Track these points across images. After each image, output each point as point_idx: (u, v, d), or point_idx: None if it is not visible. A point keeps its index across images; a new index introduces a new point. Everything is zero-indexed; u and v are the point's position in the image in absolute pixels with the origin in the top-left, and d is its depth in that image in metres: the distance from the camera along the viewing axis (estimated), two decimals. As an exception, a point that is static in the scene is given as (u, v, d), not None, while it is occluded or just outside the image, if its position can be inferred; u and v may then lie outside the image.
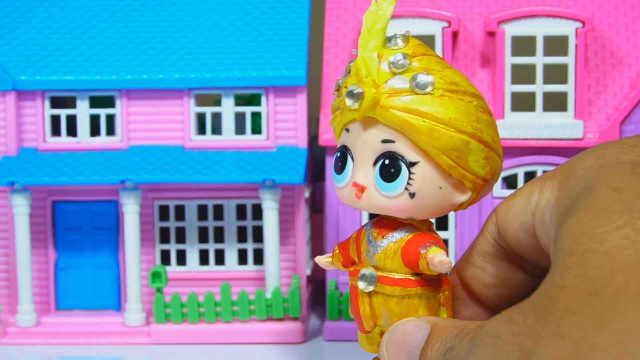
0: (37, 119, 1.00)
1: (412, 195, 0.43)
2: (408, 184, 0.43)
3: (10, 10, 1.06)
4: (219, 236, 1.02)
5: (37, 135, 1.00)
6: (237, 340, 0.95)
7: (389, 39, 0.43)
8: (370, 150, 0.44)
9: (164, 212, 1.02)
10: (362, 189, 0.44)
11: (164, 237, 1.02)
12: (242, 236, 1.02)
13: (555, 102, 0.97)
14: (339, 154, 0.45)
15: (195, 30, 1.04)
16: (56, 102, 1.02)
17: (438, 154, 0.42)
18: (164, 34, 1.03)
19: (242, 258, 1.02)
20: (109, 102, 1.01)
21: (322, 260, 0.50)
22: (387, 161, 0.43)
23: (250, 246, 1.02)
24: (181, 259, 1.02)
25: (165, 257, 1.02)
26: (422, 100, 0.42)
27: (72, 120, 1.01)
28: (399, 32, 0.44)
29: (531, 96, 0.97)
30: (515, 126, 0.96)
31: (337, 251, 0.49)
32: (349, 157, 0.45)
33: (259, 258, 1.01)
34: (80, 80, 0.99)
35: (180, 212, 1.02)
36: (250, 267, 1.02)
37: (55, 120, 1.01)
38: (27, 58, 1.02)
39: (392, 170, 0.43)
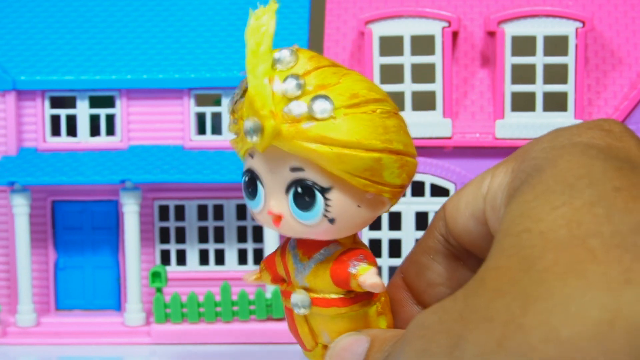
0: (37, 119, 1.00)
1: (331, 220, 0.41)
2: (326, 210, 0.41)
3: (10, 10, 1.06)
4: (219, 236, 1.02)
5: (37, 135, 1.00)
6: (237, 340, 0.95)
7: (277, 59, 0.41)
8: (279, 179, 0.42)
9: (164, 212, 1.02)
10: (278, 218, 0.42)
11: (164, 237, 1.02)
12: (242, 236, 1.02)
13: (555, 102, 0.97)
14: (247, 179, 0.43)
15: (195, 30, 1.03)
16: (56, 102, 1.02)
17: (351, 177, 0.40)
18: (164, 34, 1.03)
19: (242, 258, 1.02)
20: (108, 102, 1.01)
21: (250, 278, 0.48)
22: (299, 189, 0.41)
23: (250, 246, 1.02)
24: (181, 259, 1.02)
25: (165, 257, 1.02)
26: (324, 127, 0.39)
27: (72, 120, 1.01)
28: (287, 49, 0.41)
29: (531, 96, 0.96)
30: (515, 126, 0.95)
31: (264, 267, 0.47)
32: (258, 182, 0.43)
33: (259, 258, 1.01)
34: (80, 80, 0.99)
35: (180, 212, 1.02)
36: (250, 267, 1.02)
37: (55, 120, 1.01)
38: (27, 58, 1.02)
39: (307, 199, 0.41)
